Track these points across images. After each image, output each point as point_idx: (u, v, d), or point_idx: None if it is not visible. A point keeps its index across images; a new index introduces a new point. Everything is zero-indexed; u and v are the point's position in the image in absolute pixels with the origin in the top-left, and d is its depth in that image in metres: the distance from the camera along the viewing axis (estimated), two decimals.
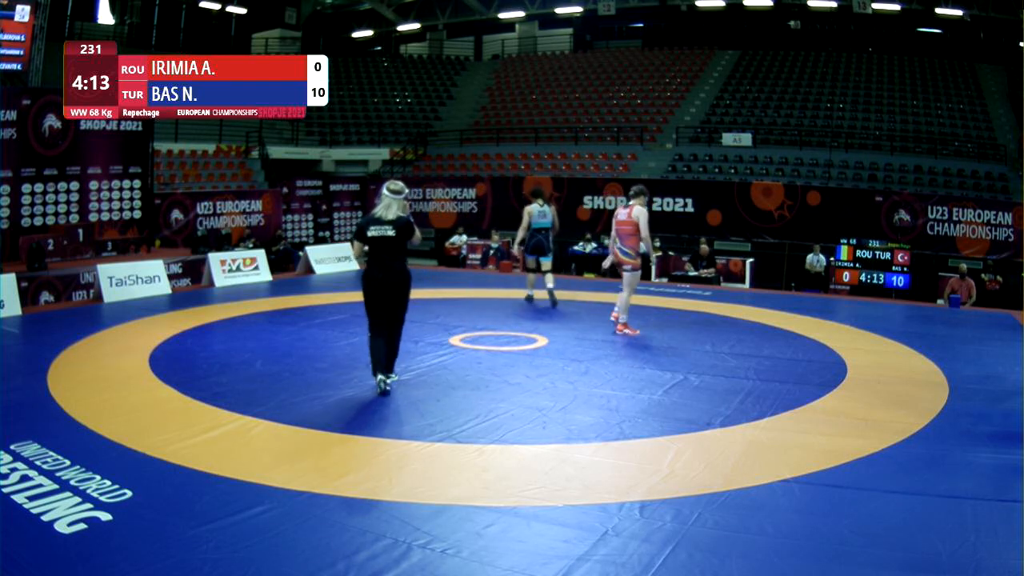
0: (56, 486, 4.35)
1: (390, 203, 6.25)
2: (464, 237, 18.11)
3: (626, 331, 8.71)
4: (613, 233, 8.74)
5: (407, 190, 6.44)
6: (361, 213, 21.78)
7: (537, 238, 10.65)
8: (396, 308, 6.31)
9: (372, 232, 6.21)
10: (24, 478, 4.46)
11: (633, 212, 8.51)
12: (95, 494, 4.24)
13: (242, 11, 28.74)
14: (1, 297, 9.69)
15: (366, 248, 6.30)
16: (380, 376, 6.34)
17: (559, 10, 28.72)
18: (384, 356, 6.31)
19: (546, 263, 10.72)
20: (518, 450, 5.08)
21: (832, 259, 15.67)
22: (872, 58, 25.09)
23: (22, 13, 17.12)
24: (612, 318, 8.97)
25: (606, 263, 9.25)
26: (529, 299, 11.00)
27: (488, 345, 8.23)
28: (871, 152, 20.88)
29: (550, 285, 10.66)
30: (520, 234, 10.79)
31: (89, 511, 4.04)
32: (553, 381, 6.79)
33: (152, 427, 5.42)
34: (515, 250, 11.70)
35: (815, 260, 15.70)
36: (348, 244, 16.78)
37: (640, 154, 22.09)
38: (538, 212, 10.66)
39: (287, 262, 15.58)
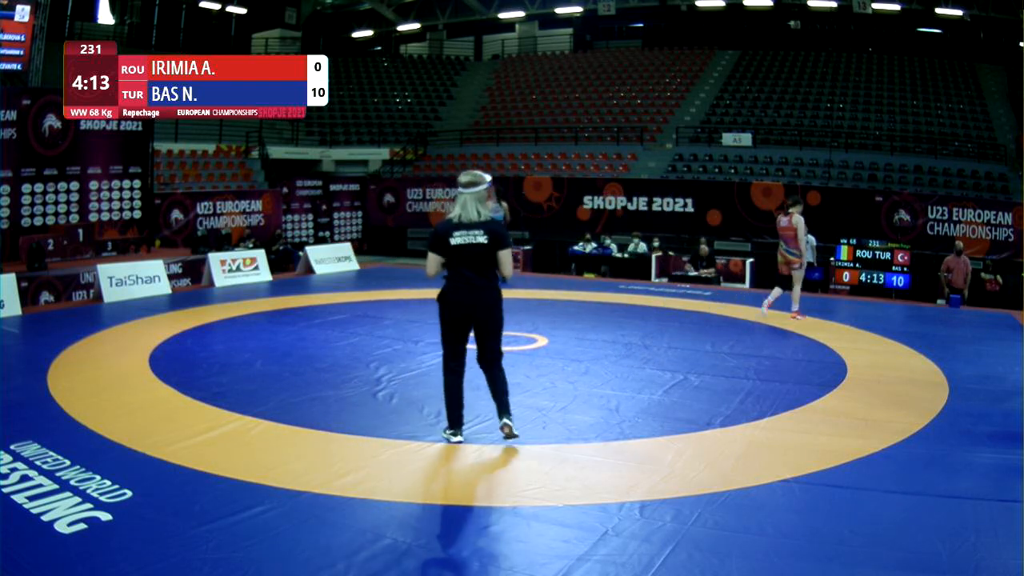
0: (56, 486, 4.35)
1: (467, 201, 4.93)
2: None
3: (798, 317, 9.88)
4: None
5: (487, 178, 5.02)
6: (361, 213, 21.80)
7: None
8: (490, 334, 5.06)
9: (457, 239, 4.87)
10: (24, 478, 4.46)
11: (793, 220, 9.78)
12: (95, 494, 4.25)
13: (242, 11, 28.74)
14: (1, 297, 9.69)
15: (443, 263, 5.01)
16: (449, 431, 5.15)
17: (559, 10, 28.72)
18: (460, 399, 5.15)
19: None
20: (518, 450, 5.08)
21: (832, 259, 15.66)
22: (872, 58, 25.09)
23: (22, 13, 17.11)
24: (764, 311, 10.00)
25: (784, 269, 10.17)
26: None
27: None
28: (871, 152, 20.87)
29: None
30: None
31: (89, 511, 4.04)
32: (553, 381, 6.79)
33: (152, 427, 5.42)
34: None
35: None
36: (348, 244, 16.81)
37: (640, 154, 22.09)
38: (493, 208, 11.67)
39: (287, 262, 15.59)
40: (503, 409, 5.10)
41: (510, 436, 5.05)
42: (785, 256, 9.98)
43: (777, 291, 10.10)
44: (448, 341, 5.10)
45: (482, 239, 4.87)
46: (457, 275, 4.96)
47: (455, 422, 5.14)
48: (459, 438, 5.13)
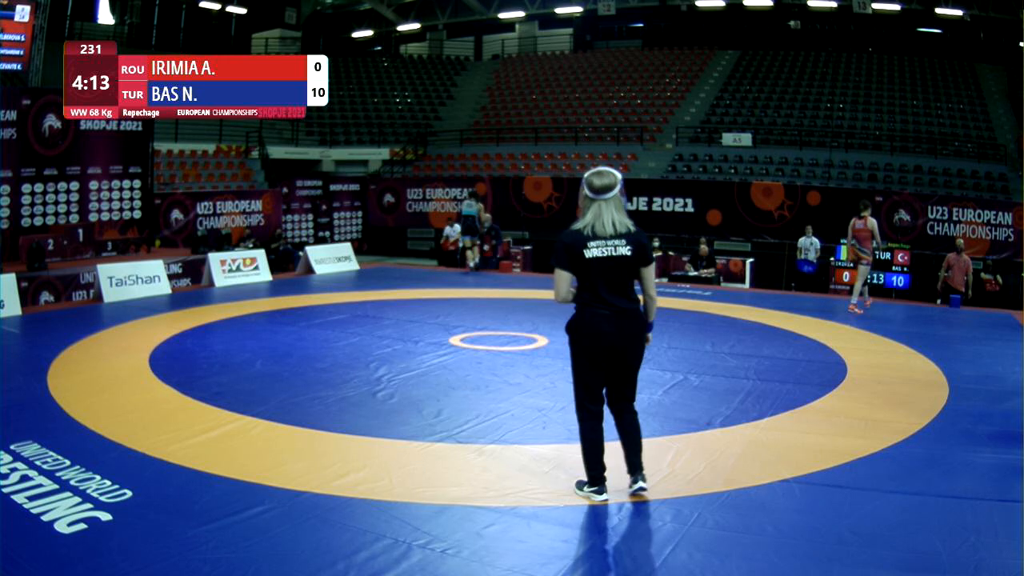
0: (56, 486, 4.35)
1: (601, 208, 4.03)
2: (458, 228, 18.12)
3: (855, 311, 10.86)
4: (850, 235, 11.31)
5: (619, 175, 4.11)
6: (361, 213, 21.79)
7: (467, 223, 14.88)
8: (630, 371, 4.19)
9: (593, 252, 3.99)
10: (24, 478, 4.46)
11: (868, 223, 11.00)
12: (95, 494, 4.24)
13: (242, 11, 28.74)
14: (1, 297, 9.69)
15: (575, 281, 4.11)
16: (591, 489, 4.24)
17: (559, 10, 28.73)
18: (601, 449, 4.19)
19: (468, 240, 14.98)
20: (518, 450, 5.07)
21: (832, 259, 15.65)
22: (872, 58, 25.09)
23: (22, 13, 17.12)
24: (851, 309, 10.96)
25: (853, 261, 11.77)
26: (474, 268, 14.80)
27: (488, 345, 8.23)
28: (871, 152, 20.87)
29: (476, 260, 14.85)
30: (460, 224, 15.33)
31: (89, 511, 4.04)
32: (553, 381, 6.78)
33: (152, 427, 5.42)
34: (451, 232, 15.85)
35: (807, 243, 15.42)
36: (348, 244, 16.81)
37: (640, 154, 22.09)
38: (467, 204, 14.89)
39: (287, 262, 15.59)
40: (637, 467, 4.20)
41: (638, 495, 4.21)
42: (857, 253, 11.19)
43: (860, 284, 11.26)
44: (586, 381, 4.16)
45: (625, 251, 3.99)
46: (594, 297, 4.03)
47: (597, 477, 4.20)
48: (605, 496, 4.20)
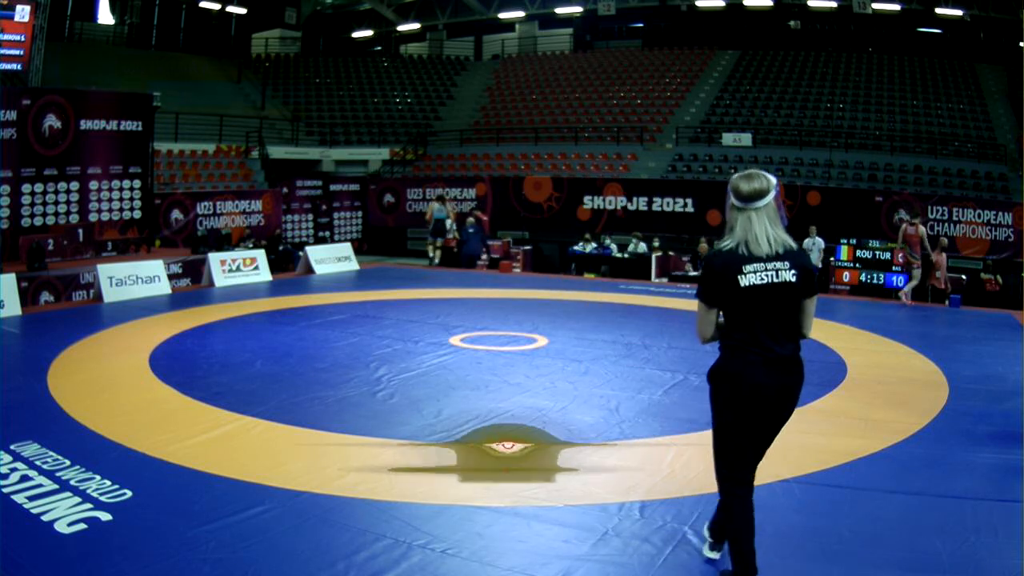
0: (56, 486, 4.35)
1: (752, 220, 3.18)
2: (452, 224, 18.22)
3: (904, 299, 12.34)
4: (901, 240, 12.99)
5: (774, 180, 3.22)
6: (361, 213, 21.81)
7: (437, 226, 16.87)
8: (775, 434, 3.32)
9: (750, 279, 3.13)
10: (24, 478, 4.46)
11: (919, 229, 12.58)
12: (95, 494, 4.24)
13: (242, 11, 28.73)
14: (1, 297, 9.69)
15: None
16: (714, 550, 3.62)
17: (559, 10, 28.72)
18: (752, 533, 3.27)
19: (440, 241, 17.05)
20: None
21: (832, 259, 15.64)
22: (872, 58, 25.08)
23: (22, 13, 17.11)
24: (904, 302, 12.31)
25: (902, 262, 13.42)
26: (432, 263, 16.82)
27: (488, 345, 8.23)
28: (871, 152, 20.86)
29: (437, 258, 16.99)
30: (431, 226, 17.04)
31: (89, 511, 4.04)
32: (553, 381, 6.79)
33: (152, 427, 5.42)
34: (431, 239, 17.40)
35: (810, 244, 15.33)
36: (348, 244, 16.84)
37: (640, 154, 22.08)
38: (437, 208, 16.99)
39: (287, 262, 15.59)
40: (751, 565, 3.26)
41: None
42: (908, 258, 12.77)
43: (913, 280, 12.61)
44: (733, 444, 3.26)
45: (789, 276, 3.14)
46: (750, 339, 3.16)
47: (746, 568, 3.25)
48: (717, 553, 3.62)
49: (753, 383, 3.14)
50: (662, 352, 8.01)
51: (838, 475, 4.69)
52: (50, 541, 3.75)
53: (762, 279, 3.12)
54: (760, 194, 3.16)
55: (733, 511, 3.28)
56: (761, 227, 3.16)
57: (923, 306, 12.37)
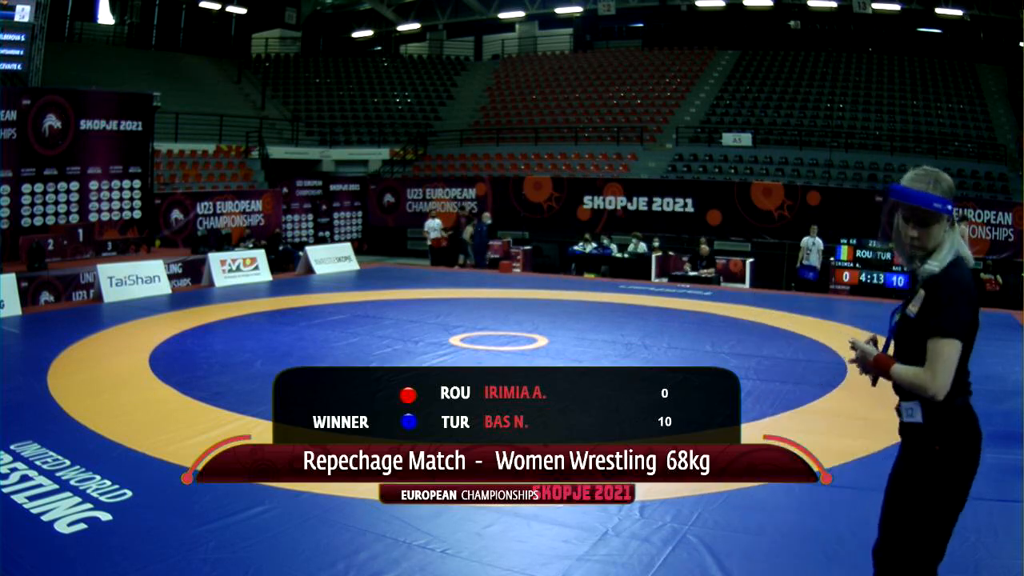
0: (56, 486, 4.35)
1: (956, 234, 2.52)
2: (438, 222, 18.25)
3: None
4: None
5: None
6: (361, 213, 21.80)
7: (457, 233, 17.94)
8: None
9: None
10: (24, 478, 4.46)
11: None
12: (95, 494, 4.24)
13: (242, 11, 28.73)
14: (1, 297, 9.69)
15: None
16: None
17: (559, 10, 28.72)
18: None
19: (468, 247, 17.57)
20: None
21: (832, 259, 15.64)
22: (872, 58, 25.08)
23: (22, 13, 17.11)
24: None
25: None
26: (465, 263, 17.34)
27: (488, 345, 8.23)
28: (871, 152, 20.87)
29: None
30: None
31: (89, 511, 4.04)
32: None
33: (152, 427, 5.42)
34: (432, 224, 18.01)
35: (810, 242, 15.25)
36: (348, 244, 16.86)
37: (640, 154, 22.09)
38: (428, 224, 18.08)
39: (287, 262, 15.59)
40: None
41: None
42: None
43: None
44: (946, 530, 2.70)
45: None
46: (968, 384, 2.53)
47: None
48: None
49: (979, 443, 2.44)
50: (662, 352, 8.01)
51: (838, 475, 4.67)
52: (50, 541, 3.75)
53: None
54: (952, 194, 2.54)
55: None
56: (954, 243, 2.47)
57: None
